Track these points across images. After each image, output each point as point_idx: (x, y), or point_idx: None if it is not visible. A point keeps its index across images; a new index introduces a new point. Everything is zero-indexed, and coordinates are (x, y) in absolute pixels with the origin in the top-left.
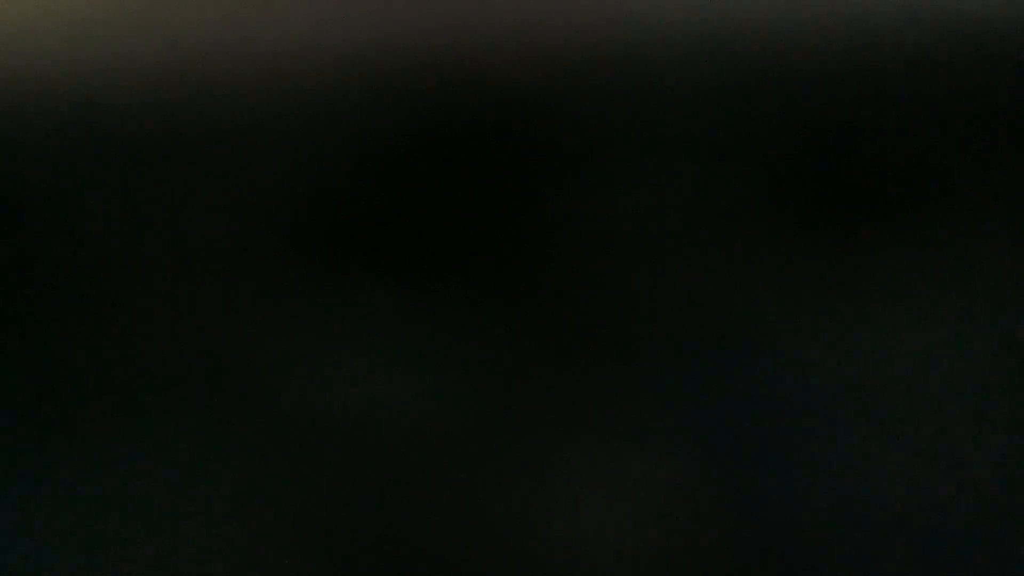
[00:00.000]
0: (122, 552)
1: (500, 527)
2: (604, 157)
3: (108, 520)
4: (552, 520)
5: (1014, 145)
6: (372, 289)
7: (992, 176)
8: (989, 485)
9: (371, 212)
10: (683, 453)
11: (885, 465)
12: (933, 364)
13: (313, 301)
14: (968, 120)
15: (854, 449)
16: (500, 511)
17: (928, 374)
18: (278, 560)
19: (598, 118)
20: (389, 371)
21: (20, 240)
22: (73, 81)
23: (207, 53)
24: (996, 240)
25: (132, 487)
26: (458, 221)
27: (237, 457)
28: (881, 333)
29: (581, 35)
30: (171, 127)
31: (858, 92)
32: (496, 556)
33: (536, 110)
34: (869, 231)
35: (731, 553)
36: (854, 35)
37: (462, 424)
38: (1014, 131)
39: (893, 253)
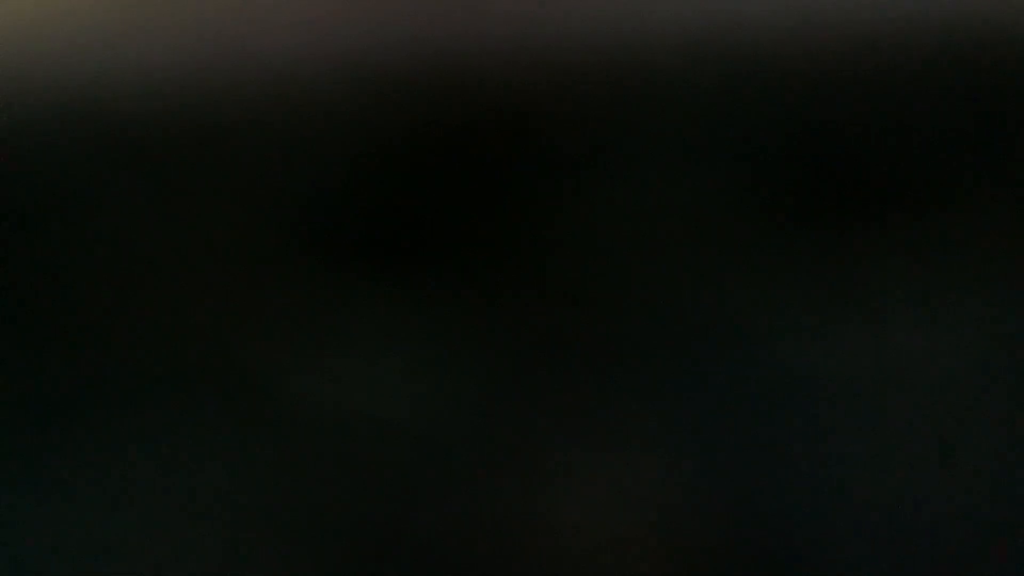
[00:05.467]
0: (121, 551)
1: (500, 527)
2: (603, 158)
3: (107, 519)
4: (552, 520)
5: (1010, 146)
6: (372, 290)
7: (988, 177)
8: (987, 484)
9: (371, 213)
10: (683, 453)
11: (884, 464)
12: (929, 363)
13: (314, 302)
14: (963, 123)
15: (853, 449)
16: (499, 510)
17: (924, 373)
18: (278, 560)
19: (597, 120)
20: (389, 371)
21: (22, 240)
22: (74, 82)
23: (208, 55)
24: (993, 241)
25: (132, 486)
26: (458, 222)
27: (236, 457)
28: (880, 333)
29: (581, 37)
30: (172, 128)
31: (857, 94)
32: (496, 556)
33: (535, 111)
34: (867, 232)
35: (731, 553)
36: (850, 39)
37: (461, 424)
38: (1010, 132)
39: (891, 254)
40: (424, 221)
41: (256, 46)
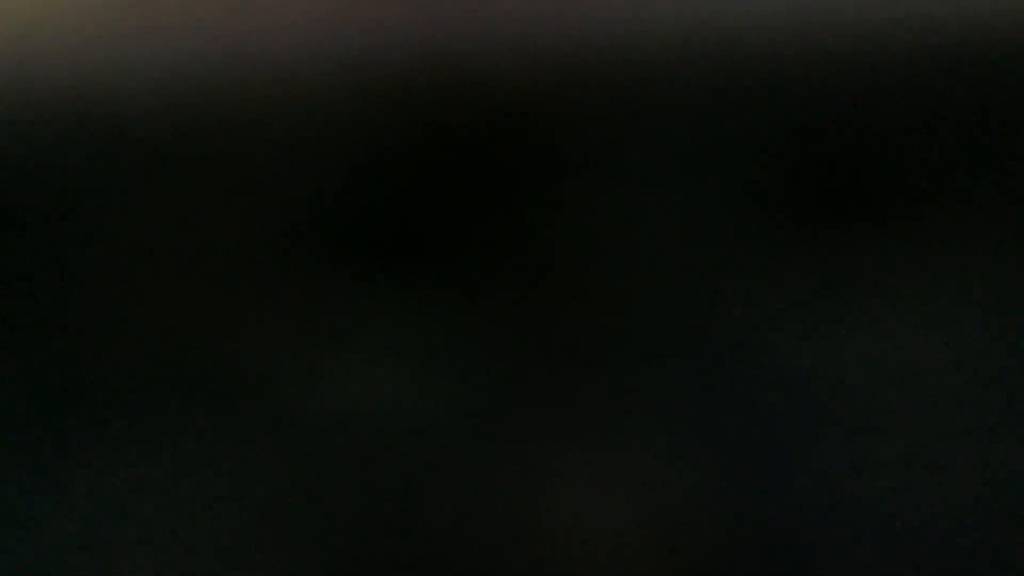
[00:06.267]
0: (121, 552)
1: (500, 527)
2: (603, 159)
3: (107, 520)
4: (551, 520)
5: (1010, 146)
6: (372, 290)
7: (988, 178)
8: (987, 484)
9: (372, 213)
10: (683, 453)
11: (884, 464)
12: (930, 364)
13: (314, 302)
14: (963, 123)
15: (853, 449)
16: (500, 510)
17: (925, 374)
18: (278, 560)
19: (598, 120)
20: (389, 371)
21: (23, 241)
22: (75, 83)
23: (209, 55)
24: (993, 241)
25: (132, 487)
26: (459, 222)
27: (236, 457)
28: (881, 333)
29: (581, 38)
30: (172, 128)
31: (857, 95)
32: (496, 556)
33: (537, 112)
34: (867, 232)
35: (731, 553)
36: (850, 39)
37: (461, 424)
38: (1010, 132)
39: (891, 254)
40: (425, 221)
41: (256, 46)
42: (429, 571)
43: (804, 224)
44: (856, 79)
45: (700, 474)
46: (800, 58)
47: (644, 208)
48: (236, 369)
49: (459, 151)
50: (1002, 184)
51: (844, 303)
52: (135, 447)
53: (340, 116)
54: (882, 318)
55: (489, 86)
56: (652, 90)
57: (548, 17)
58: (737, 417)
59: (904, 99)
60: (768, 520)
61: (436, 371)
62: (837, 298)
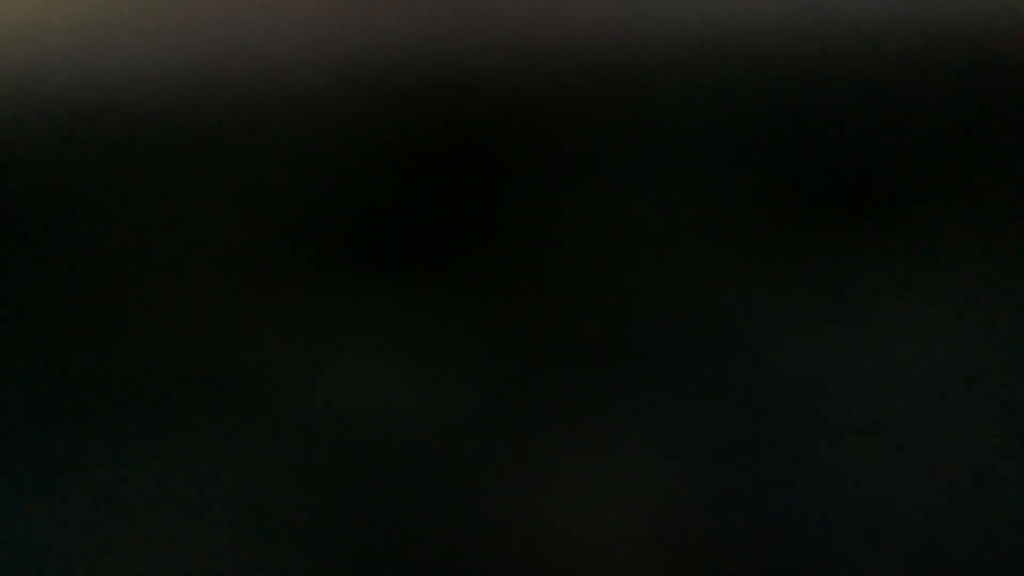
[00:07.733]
0: (121, 552)
1: (500, 527)
2: (603, 159)
3: (107, 520)
4: (551, 519)
5: (1009, 146)
6: (373, 290)
7: (988, 177)
8: (986, 485)
9: (372, 214)
10: (682, 453)
11: (884, 464)
12: (930, 364)
13: (314, 302)
14: (963, 123)
15: (854, 449)
16: (499, 510)
17: (925, 373)
18: (278, 560)
19: (598, 121)
20: (389, 372)
21: (23, 241)
22: (75, 84)
23: (210, 56)
24: (993, 241)
25: (132, 487)
26: (458, 223)
27: (236, 457)
28: (880, 333)
29: (581, 38)
30: (172, 129)
31: (856, 95)
32: (496, 555)
33: (537, 112)
34: (867, 232)
35: (731, 553)
36: (850, 39)
37: (461, 424)
38: (1009, 132)
39: (892, 254)
40: (425, 221)
41: (256, 46)
42: (429, 571)
43: (805, 224)
44: (856, 79)
45: (700, 474)
46: (800, 58)
47: (644, 208)
48: (236, 369)
49: (459, 151)
50: (1002, 184)
51: (845, 303)
52: (135, 447)
53: (340, 116)
54: (883, 318)
55: (489, 86)
56: (652, 90)
57: (548, 17)
58: (738, 417)
59: (904, 99)
60: (768, 520)
61: (436, 371)
62: (838, 298)
